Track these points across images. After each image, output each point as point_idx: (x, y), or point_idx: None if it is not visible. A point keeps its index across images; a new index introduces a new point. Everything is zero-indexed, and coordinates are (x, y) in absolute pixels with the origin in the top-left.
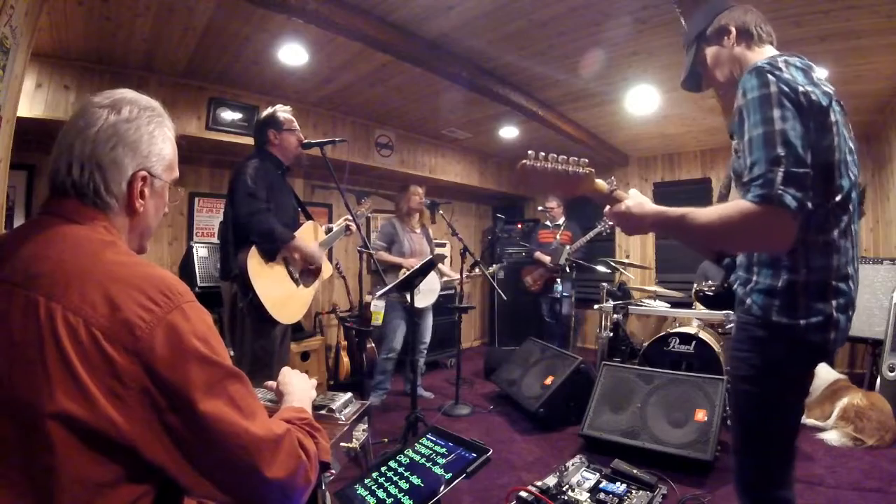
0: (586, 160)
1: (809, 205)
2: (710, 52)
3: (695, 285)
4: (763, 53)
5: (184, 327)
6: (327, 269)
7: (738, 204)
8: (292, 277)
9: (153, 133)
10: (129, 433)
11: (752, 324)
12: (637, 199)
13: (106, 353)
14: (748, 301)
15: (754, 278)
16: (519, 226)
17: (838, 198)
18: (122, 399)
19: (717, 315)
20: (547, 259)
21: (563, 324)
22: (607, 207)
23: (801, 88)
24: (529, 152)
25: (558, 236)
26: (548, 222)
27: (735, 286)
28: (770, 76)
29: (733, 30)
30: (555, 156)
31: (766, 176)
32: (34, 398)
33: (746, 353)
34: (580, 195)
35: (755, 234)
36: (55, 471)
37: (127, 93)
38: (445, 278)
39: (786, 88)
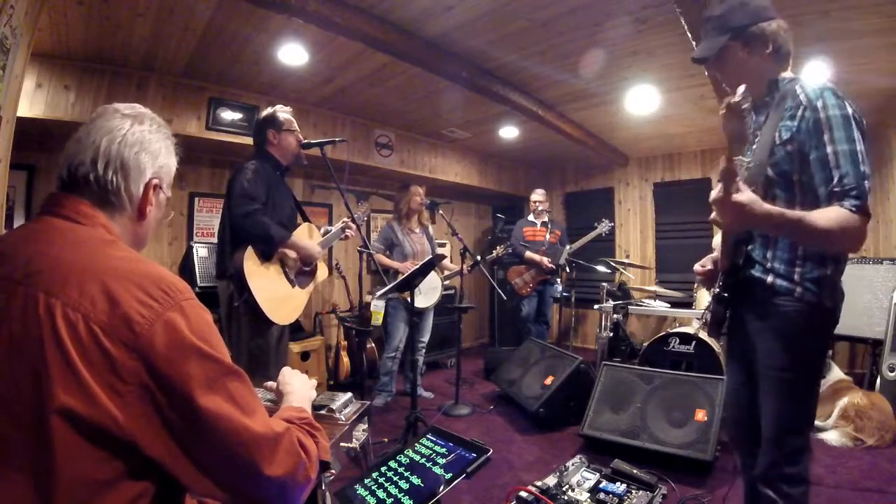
0: None
1: None
2: (744, 53)
3: (695, 285)
4: (784, 75)
5: (183, 324)
6: (323, 272)
7: (841, 213)
8: (287, 278)
9: (169, 148)
10: (128, 428)
11: (804, 310)
12: (751, 194)
13: (105, 348)
14: (799, 290)
15: (798, 270)
16: None
17: None
18: (121, 395)
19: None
20: (540, 258)
21: (549, 325)
22: (718, 190)
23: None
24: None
25: (548, 235)
26: (531, 216)
27: (768, 279)
28: (846, 99)
29: (771, 46)
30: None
31: (860, 189)
32: (35, 395)
33: (799, 335)
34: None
35: (853, 236)
36: (55, 469)
37: (146, 109)
38: (447, 272)
39: (858, 113)
